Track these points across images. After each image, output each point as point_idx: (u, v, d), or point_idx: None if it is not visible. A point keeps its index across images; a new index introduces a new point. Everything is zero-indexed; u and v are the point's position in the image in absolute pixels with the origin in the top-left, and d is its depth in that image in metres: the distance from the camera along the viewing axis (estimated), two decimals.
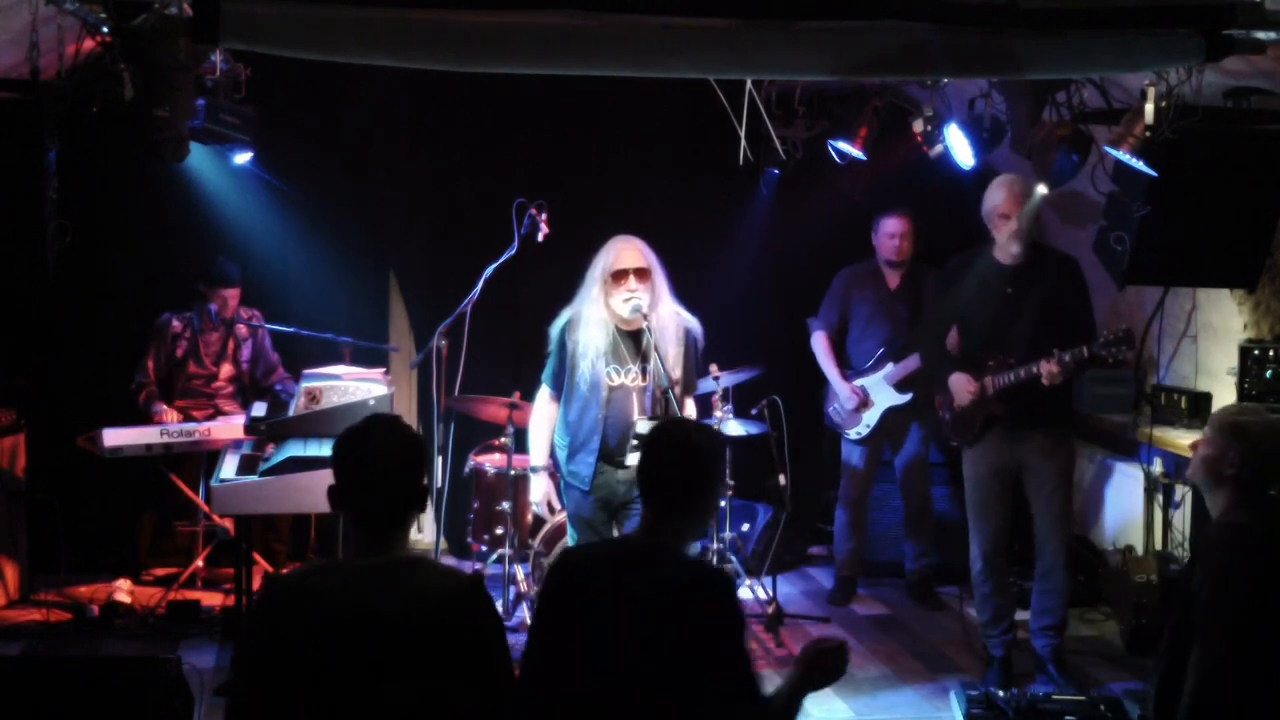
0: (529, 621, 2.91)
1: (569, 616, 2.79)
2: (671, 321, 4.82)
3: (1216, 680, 3.09)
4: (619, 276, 4.69)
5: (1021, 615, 5.44)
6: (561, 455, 4.93)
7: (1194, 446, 3.45)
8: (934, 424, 6.15)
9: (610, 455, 4.79)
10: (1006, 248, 5.15)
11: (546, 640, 2.82)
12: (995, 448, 5.23)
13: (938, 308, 5.50)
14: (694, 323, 4.91)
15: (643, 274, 4.70)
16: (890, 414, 6.31)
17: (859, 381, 6.33)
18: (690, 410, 4.88)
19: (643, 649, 2.70)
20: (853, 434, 6.38)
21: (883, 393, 6.30)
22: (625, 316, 4.74)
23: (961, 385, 5.23)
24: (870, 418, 6.32)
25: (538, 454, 5.04)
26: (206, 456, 6.09)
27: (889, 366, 6.27)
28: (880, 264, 6.37)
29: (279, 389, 6.30)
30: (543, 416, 5.00)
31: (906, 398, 6.25)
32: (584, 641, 2.74)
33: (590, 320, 4.77)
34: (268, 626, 2.57)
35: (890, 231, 6.28)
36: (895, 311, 6.32)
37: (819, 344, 6.43)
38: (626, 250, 4.73)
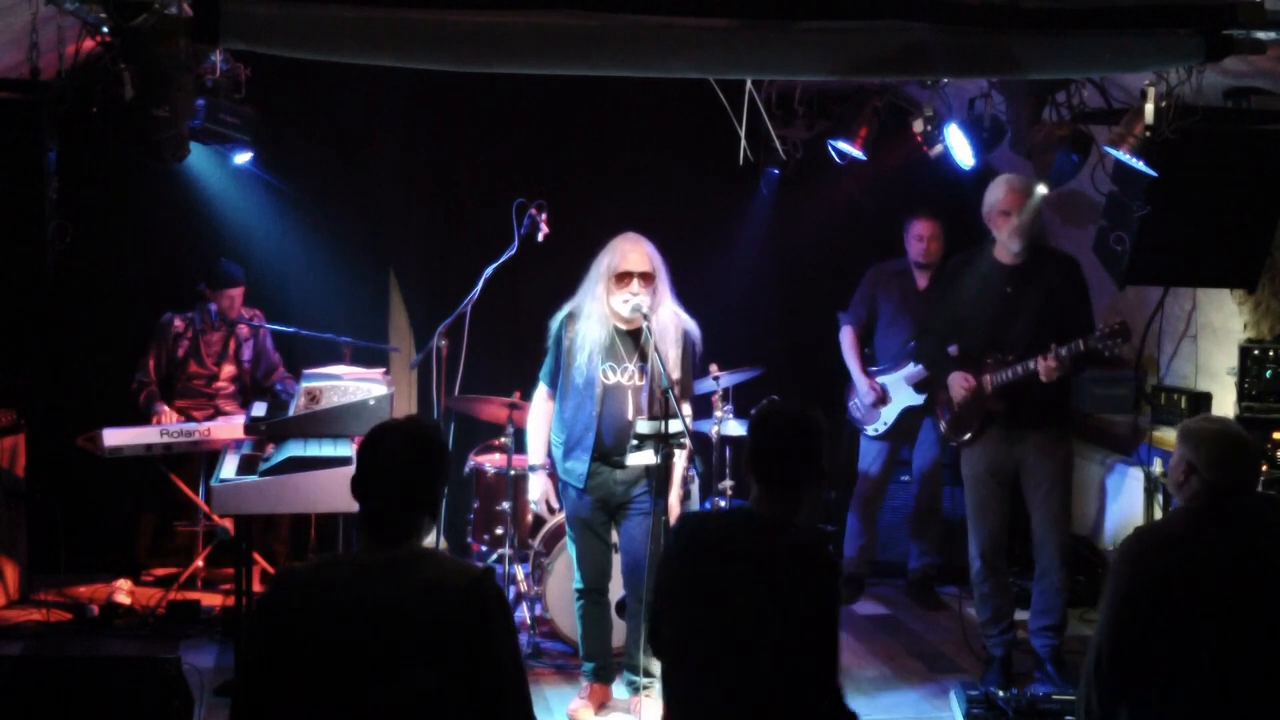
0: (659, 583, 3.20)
1: (695, 576, 3.01)
2: (671, 323, 4.81)
3: (1095, 665, 3.18)
4: (622, 278, 4.69)
5: (1021, 615, 5.44)
6: (558, 453, 4.92)
7: None
8: None
9: (606, 454, 4.78)
10: (1007, 246, 5.16)
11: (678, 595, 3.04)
12: (993, 447, 5.24)
13: (938, 308, 5.50)
14: (692, 325, 4.90)
15: (646, 278, 4.70)
16: (907, 413, 6.34)
17: (880, 379, 6.36)
18: (687, 413, 4.88)
19: (756, 614, 2.92)
20: (870, 430, 6.42)
21: (901, 391, 6.33)
22: (625, 316, 4.74)
23: (959, 383, 5.25)
24: (888, 415, 6.35)
25: (535, 453, 5.05)
26: (206, 456, 6.10)
27: (909, 366, 6.30)
28: (911, 264, 6.39)
29: (279, 389, 6.30)
30: (540, 415, 5.00)
31: (922, 398, 6.28)
32: (706, 603, 2.96)
33: (590, 315, 4.77)
34: (272, 621, 2.57)
35: (919, 233, 6.32)
36: (920, 311, 6.33)
37: (845, 339, 6.48)
38: (633, 253, 4.72)
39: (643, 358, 4.79)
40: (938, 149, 5.80)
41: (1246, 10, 3.81)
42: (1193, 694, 3.09)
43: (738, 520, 3.22)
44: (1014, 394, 5.12)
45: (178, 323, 6.28)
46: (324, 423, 5.02)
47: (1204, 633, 3.08)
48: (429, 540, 6.35)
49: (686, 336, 4.87)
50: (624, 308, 4.69)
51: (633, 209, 6.02)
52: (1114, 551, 3.35)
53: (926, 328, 5.62)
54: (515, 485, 5.72)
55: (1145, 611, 3.12)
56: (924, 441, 6.46)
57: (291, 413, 5.10)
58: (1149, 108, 4.31)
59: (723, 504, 5.94)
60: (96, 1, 3.63)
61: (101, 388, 6.34)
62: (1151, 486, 6.12)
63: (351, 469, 2.75)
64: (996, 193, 5.15)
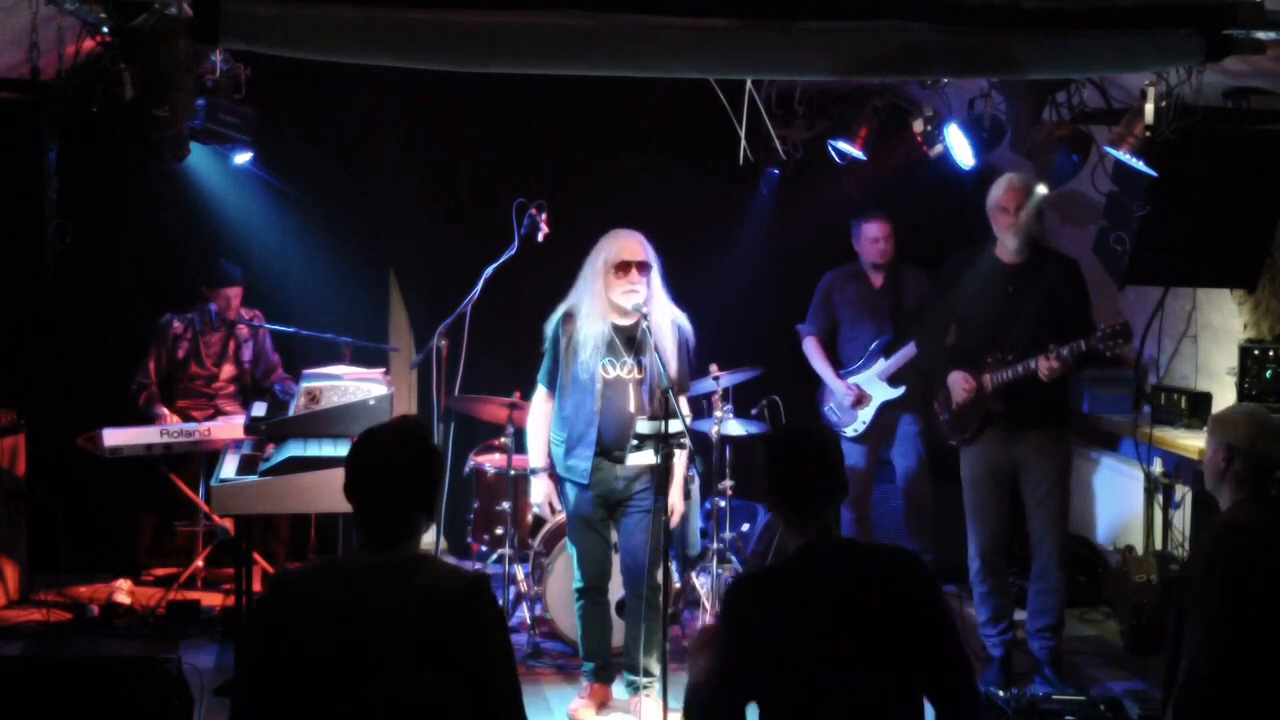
0: (719, 647, 2.84)
1: (792, 632, 2.73)
2: (666, 319, 4.82)
3: (1204, 667, 3.13)
4: (622, 269, 4.70)
5: (1019, 615, 5.44)
6: (558, 451, 4.92)
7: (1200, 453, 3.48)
8: (928, 421, 6.20)
9: (608, 450, 4.79)
10: (1005, 243, 5.17)
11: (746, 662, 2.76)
12: (993, 447, 5.24)
13: (937, 306, 5.50)
14: (684, 319, 4.91)
15: (644, 267, 4.72)
16: (885, 409, 6.35)
17: (853, 379, 6.37)
18: (684, 409, 4.89)
19: (875, 642, 2.73)
20: (850, 431, 6.41)
21: (876, 388, 6.34)
22: (626, 309, 4.74)
23: (959, 383, 5.25)
24: (866, 414, 6.36)
25: (536, 455, 5.04)
26: (206, 456, 6.10)
27: (881, 362, 6.32)
28: (865, 267, 6.41)
29: (278, 389, 6.31)
30: (539, 416, 5.00)
31: (900, 391, 6.29)
32: (814, 655, 2.72)
33: (589, 312, 4.77)
34: (269, 623, 2.57)
35: (873, 236, 6.33)
36: (881, 309, 6.38)
37: (810, 347, 6.49)
38: (629, 243, 4.74)
39: (639, 352, 4.79)
40: (938, 149, 5.79)
41: (1246, 10, 3.81)
42: None
43: (812, 560, 2.83)
44: (1013, 394, 5.12)
45: (177, 324, 6.28)
46: (324, 423, 5.02)
47: None
48: (429, 542, 6.37)
49: (680, 332, 4.88)
50: (626, 299, 4.69)
51: (633, 209, 6.01)
52: (1198, 554, 3.35)
53: (925, 327, 5.62)
54: (515, 485, 5.72)
55: (1256, 603, 3.13)
56: (903, 439, 6.46)
57: (291, 413, 5.11)
58: (1149, 108, 4.31)
59: (722, 503, 5.93)
60: (96, 1, 3.63)
61: (101, 388, 6.34)
62: (1151, 486, 6.12)
63: None
64: (997, 189, 5.19)
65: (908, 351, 6.17)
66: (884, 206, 6.38)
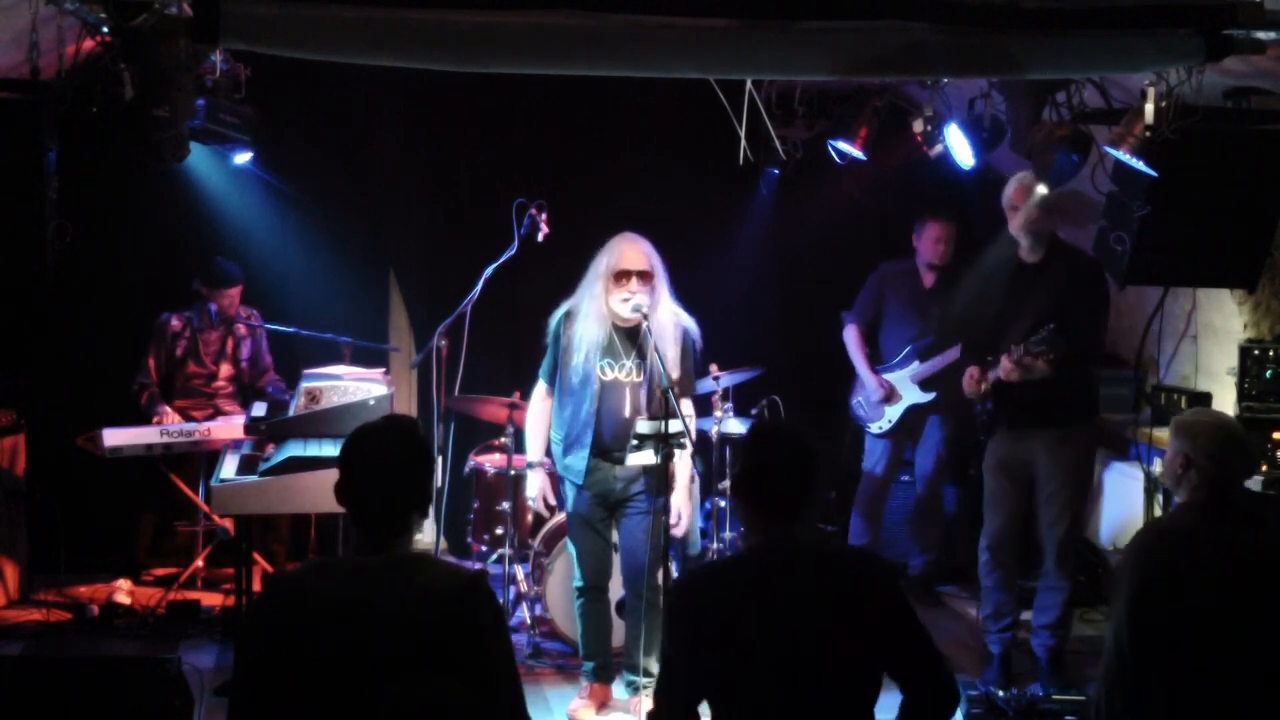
0: (667, 650, 2.88)
1: (717, 638, 2.71)
2: (670, 322, 4.82)
3: (1116, 664, 3.15)
4: (621, 277, 4.70)
5: (1026, 615, 5.44)
6: (557, 451, 4.94)
7: None
8: (954, 424, 6.18)
9: (605, 451, 4.80)
10: (1020, 242, 5.20)
11: (697, 669, 2.75)
12: (1005, 444, 5.29)
13: (967, 301, 5.53)
14: (691, 323, 4.91)
15: (645, 276, 4.72)
16: (912, 411, 6.34)
17: (886, 376, 6.37)
18: (688, 410, 4.89)
19: (821, 650, 2.70)
20: (875, 428, 6.42)
21: (907, 389, 6.34)
22: (624, 316, 4.74)
23: (966, 378, 5.30)
24: (893, 413, 6.36)
25: (534, 450, 5.06)
26: (206, 456, 6.10)
27: (915, 364, 6.31)
28: (920, 265, 6.40)
29: (270, 390, 6.31)
30: (538, 412, 5.01)
31: (929, 396, 6.29)
32: (755, 659, 2.70)
33: (588, 314, 4.78)
34: (268, 623, 2.57)
35: (936, 236, 6.31)
36: (927, 310, 6.35)
37: (850, 336, 6.48)
38: (631, 251, 4.73)
39: (640, 355, 4.80)
40: (938, 149, 5.79)
41: (1246, 10, 3.81)
42: (1208, 689, 3.09)
43: (758, 562, 2.81)
44: (1007, 393, 5.15)
45: (175, 322, 6.28)
46: (324, 423, 5.02)
47: (1216, 628, 3.09)
48: (429, 542, 6.36)
49: (685, 335, 4.89)
50: (623, 307, 4.70)
51: (633, 209, 6.03)
52: (1123, 549, 3.34)
53: (958, 322, 5.64)
54: (515, 485, 5.72)
55: (1159, 608, 3.12)
56: (927, 440, 6.47)
57: (291, 413, 5.11)
58: (1149, 108, 4.31)
59: (722, 503, 5.93)
60: (96, 1, 3.63)
61: (101, 388, 6.34)
62: (1151, 486, 6.12)
63: None
64: (1008, 189, 5.25)
65: (942, 359, 6.16)
66: (946, 208, 6.32)
